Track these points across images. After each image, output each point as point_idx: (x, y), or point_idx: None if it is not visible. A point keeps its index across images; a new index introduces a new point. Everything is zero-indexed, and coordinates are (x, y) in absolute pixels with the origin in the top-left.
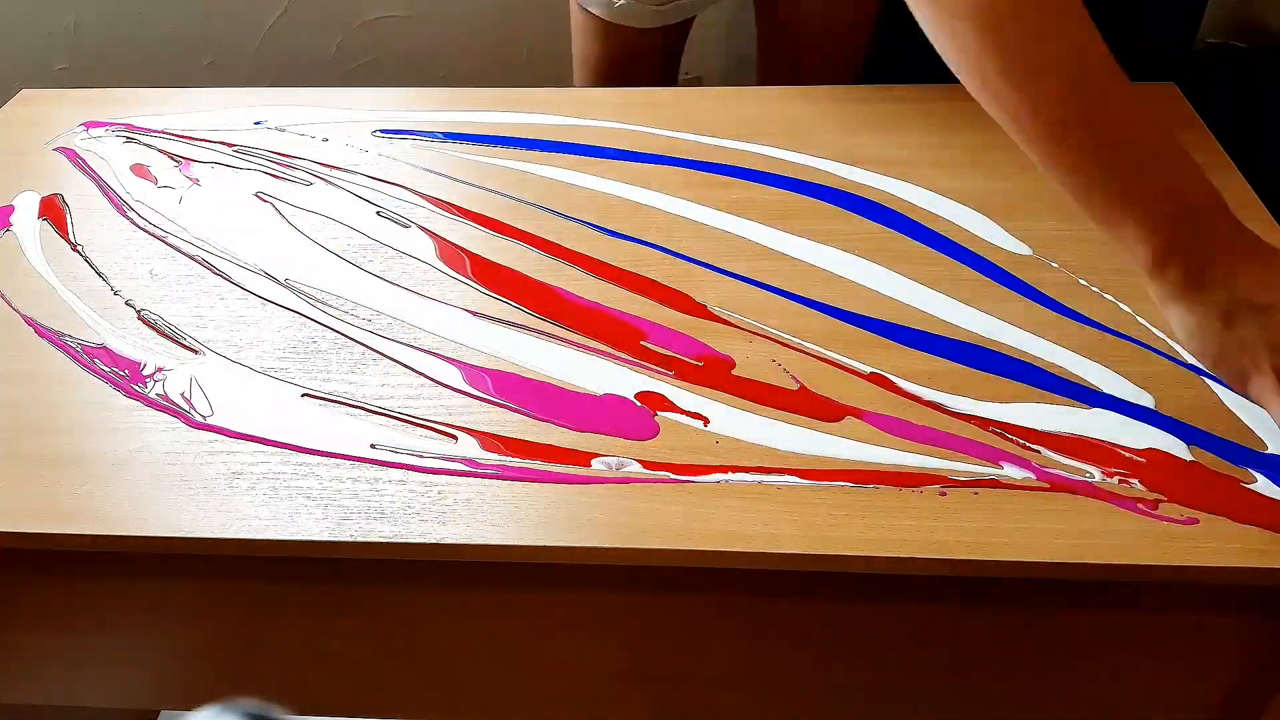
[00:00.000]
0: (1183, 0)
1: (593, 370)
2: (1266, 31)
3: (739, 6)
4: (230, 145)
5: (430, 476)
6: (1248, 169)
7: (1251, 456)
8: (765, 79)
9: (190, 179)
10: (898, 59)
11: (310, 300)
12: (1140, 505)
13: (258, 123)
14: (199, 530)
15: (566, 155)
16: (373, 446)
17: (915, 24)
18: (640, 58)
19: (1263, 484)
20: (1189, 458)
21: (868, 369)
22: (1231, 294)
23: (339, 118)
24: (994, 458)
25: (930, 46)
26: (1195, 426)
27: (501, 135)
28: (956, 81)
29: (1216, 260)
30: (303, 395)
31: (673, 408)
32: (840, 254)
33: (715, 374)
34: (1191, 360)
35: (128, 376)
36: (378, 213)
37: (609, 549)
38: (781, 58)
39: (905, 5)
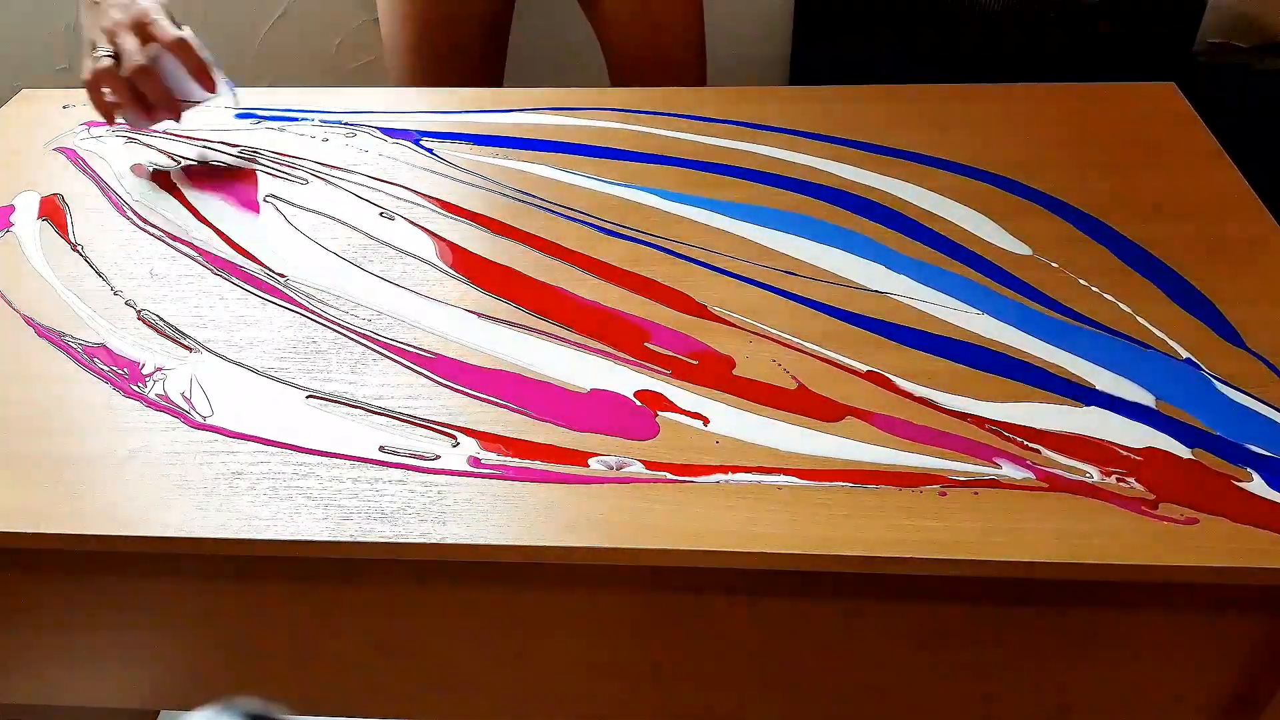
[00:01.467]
0: (1183, 0)
1: (592, 370)
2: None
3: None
4: (231, 145)
5: (430, 476)
6: (1248, 169)
7: (1251, 456)
8: (615, 80)
9: (190, 178)
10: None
11: (310, 300)
12: (1140, 505)
13: (240, 115)
14: (199, 530)
15: (566, 155)
16: (380, 449)
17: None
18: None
19: (1261, 485)
20: (1188, 457)
21: (866, 369)
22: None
23: (339, 117)
24: (993, 457)
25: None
26: (1194, 426)
27: (501, 135)
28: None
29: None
30: (307, 397)
31: (673, 408)
32: (840, 254)
33: (715, 374)
34: (1190, 358)
35: (128, 376)
36: (379, 213)
37: (609, 549)
38: (617, 58)
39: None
